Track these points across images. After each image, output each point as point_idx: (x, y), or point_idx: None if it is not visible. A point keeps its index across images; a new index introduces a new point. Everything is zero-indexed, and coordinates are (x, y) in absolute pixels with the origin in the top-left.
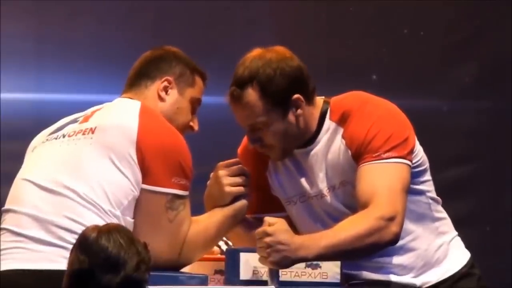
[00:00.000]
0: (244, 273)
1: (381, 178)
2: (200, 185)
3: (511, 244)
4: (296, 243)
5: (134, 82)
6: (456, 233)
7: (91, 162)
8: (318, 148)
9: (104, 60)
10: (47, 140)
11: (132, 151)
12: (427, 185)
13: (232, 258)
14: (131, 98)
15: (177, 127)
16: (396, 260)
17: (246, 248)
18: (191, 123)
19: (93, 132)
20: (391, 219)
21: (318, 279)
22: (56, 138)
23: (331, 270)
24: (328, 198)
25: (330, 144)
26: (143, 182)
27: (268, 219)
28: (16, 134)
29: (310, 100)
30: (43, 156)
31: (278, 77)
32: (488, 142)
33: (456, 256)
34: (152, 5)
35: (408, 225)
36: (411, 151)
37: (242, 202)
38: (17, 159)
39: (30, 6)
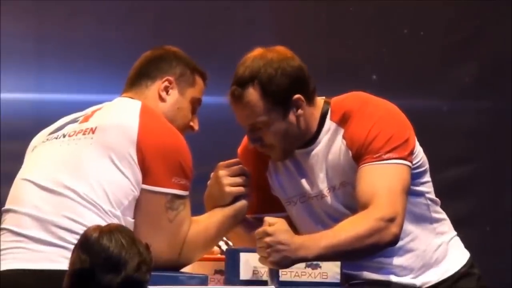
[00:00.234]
0: (244, 273)
1: (382, 179)
2: (200, 185)
3: (511, 244)
4: (296, 243)
5: (135, 81)
6: (455, 233)
7: (91, 162)
8: (319, 148)
9: (104, 60)
10: (47, 139)
11: (132, 151)
12: (427, 186)
13: (232, 258)
14: (131, 98)
15: (178, 127)
16: (396, 260)
17: (246, 248)
18: (191, 123)
19: (93, 132)
20: (391, 220)
21: (318, 279)
22: (56, 138)
23: (331, 270)
24: (328, 198)
25: (330, 145)
26: (143, 182)
27: (268, 219)
28: (16, 134)
29: (310, 100)
30: (43, 156)
31: (279, 77)
32: (488, 142)
33: (455, 256)
34: (152, 5)
35: (407, 226)
36: (412, 152)
37: (243, 202)
38: (17, 159)
39: (30, 6)
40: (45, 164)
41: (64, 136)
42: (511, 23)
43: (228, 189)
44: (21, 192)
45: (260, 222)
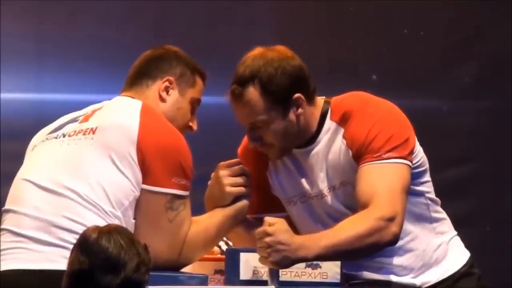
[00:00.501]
0: (244, 273)
1: (382, 179)
2: (201, 185)
3: (511, 244)
4: (296, 243)
5: (135, 81)
6: (455, 232)
7: (91, 163)
8: (319, 148)
9: (104, 60)
10: (46, 139)
11: (132, 151)
12: (427, 186)
13: (232, 258)
14: (132, 97)
15: (177, 127)
16: (396, 260)
17: (246, 248)
18: (191, 123)
19: (94, 133)
20: (391, 219)
21: (318, 279)
22: (56, 138)
23: (331, 270)
24: (329, 198)
25: (330, 144)
26: (143, 182)
27: (268, 219)
28: (16, 134)
29: (310, 100)
30: (43, 156)
31: (280, 76)
32: (488, 142)
33: (455, 255)
34: (152, 5)
35: (407, 226)
36: (412, 152)
37: (243, 203)
38: (17, 159)
39: (30, 6)
40: (45, 164)
41: (64, 135)
42: (511, 23)
43: (228, 189)
44: (21, 192)
45: (260, 222)
